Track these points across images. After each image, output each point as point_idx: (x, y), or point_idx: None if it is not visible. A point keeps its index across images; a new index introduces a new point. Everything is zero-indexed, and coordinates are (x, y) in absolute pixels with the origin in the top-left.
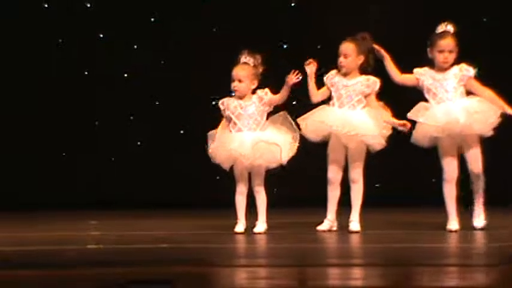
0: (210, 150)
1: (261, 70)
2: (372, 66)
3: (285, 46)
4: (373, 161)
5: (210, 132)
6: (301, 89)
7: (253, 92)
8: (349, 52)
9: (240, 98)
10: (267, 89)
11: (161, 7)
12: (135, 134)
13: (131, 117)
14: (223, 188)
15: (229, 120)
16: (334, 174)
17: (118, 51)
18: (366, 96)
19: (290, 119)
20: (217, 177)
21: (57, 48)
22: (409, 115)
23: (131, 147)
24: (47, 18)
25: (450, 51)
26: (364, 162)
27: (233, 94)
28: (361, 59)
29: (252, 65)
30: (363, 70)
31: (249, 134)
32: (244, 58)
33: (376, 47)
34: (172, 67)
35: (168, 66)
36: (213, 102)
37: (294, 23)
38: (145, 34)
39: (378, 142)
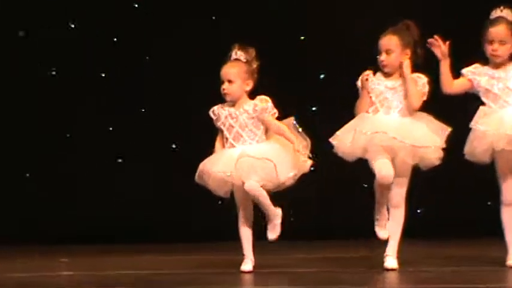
0: (196, 175)
1: (255, 66)
2: (422, 59)
3: (302, 38)
4: (414, 180)
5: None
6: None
7: (252, 96)
8: (392, 47)
9: (233, 104)
10: (268, 102)
11: None
12: (115, 148)
13: (110, 128)
14: (225, 215)
15: (222, 133)
16: (385, 171)
17: (92, 45)
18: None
19: (298, 127)
20: (219, 202)
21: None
22: (472, 125)
23: (109, 164)
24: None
25: (502, 42)
26: (409, 182)
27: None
28: (407, 53)
29: (244, 61)
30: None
31: (239, 149)
32: (235, 54)
33: (432, 41)
34: (163, 65)
35: (156, 64)
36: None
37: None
38: (126, 25)
39: (438, 157)
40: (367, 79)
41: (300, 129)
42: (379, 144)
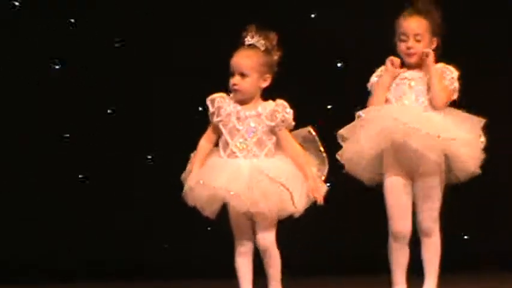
0: (184, 189)
1: (276, 58)
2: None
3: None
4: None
5: (192, 155)
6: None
7: (264, 97)
8: (422, 32)
9: (241, 102)
10: (290, 112)
11: None
12: (75, 162)
13: (66, 136)
14: (217, 247)
15: (218, 134)
16: (402, 224)
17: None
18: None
19: (318, 141)
20: (208, 228)
21: None
22: None
23: (70, 182)
24: None
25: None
26: (442, 201)
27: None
28: (433, 43)
29: (262, 48)
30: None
31: (247, 162)
32: (251, 38)
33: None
34: (134, 53)
35: (128, 52)
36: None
37: None
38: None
39: (476, 163)
40: (395, 65)
41: (319, 144)
42: (392, 147)
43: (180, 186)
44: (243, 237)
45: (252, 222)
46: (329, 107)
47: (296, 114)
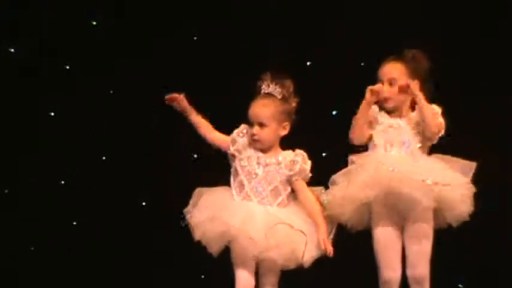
0: (191, 216)
1: (294, 105)
2: (430, 95)
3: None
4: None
5: (199, 190)
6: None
7: (283, 146)
8: (396, 75)
9: (261, 151)
10: (308, 163)
11: None
12: (68, 208)
13: (62, 182)
14: None
15: (235, 175)
16: (392, 271)
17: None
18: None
19: (324, 202)
20: (202, 276)
21: None
22: None
23: (62, 228)
24: None
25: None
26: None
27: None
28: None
29: (279, 97)
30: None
31: (261, 208)
32: (267, 87)
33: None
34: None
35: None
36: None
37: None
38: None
39: (466, 200)
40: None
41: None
42: (384, 195)
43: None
44: (247, 275)
45: (257, 263)
46: (324, 154)
47: None
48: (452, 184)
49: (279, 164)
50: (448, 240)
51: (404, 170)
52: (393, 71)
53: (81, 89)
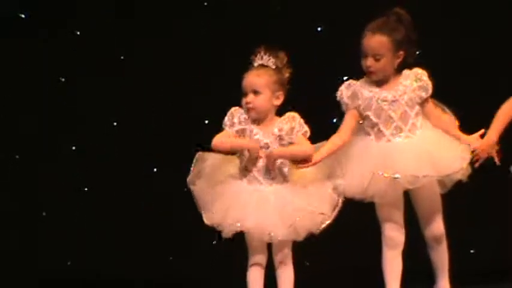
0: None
1: (287, 75)
2: (414, 57)
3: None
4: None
5: (201, 155)
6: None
7: (278, 113)
8: (382, 50)
9: (256, 121)
10: (296, 119)
11: None
12: (78, 174)
13: (73, 148)
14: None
15: (241, 161)
16: (395, 232)
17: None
18: (422, 104)
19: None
20: (213, 242)
21: None
22: None
23: (73, 194)
24: None
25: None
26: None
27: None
28: (400, 56)
29: (273, 67)
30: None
31: (271, 192)
32: (260, 59)
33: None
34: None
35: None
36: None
37: None
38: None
39: (467, 172)
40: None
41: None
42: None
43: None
44: (259, 252)
45: None
46: (335, 120)
47: None
48: (457, 170)
49: (278, 138)
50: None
51: (403, 168)
52: (379, 46)
53: (91, 55)
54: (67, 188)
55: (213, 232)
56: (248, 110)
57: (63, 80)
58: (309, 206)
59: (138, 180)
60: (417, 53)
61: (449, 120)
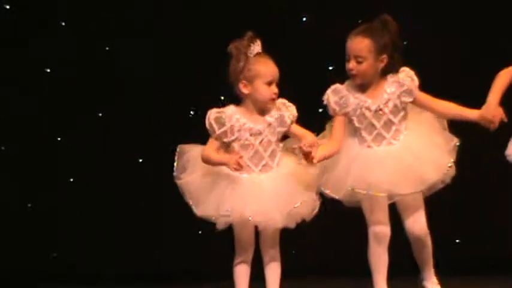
0: (192, 202)
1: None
2: (400, 64)
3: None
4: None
5: (182, 147)
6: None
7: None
8: (363, 53)
9: (244, 110)
10: (291, 107)
11: None
12: (65, 165)
13: (58, 139)
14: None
15: (226, 147)
16: (382, 226)
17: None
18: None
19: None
20: (199, 232)
21: None
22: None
23: (59, 185)
24: None
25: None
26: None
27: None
28: (383, 60)
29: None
30: (387, 71)
31: (265, 179)
32: (258, 47)
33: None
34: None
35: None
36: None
37: None
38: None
39: (450, 175)
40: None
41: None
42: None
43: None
44: (248, 246)
45: (256, 231)
46: (320, 110)
47: None
48: (438, 178)
49: (270, 125)
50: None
51: (379, 184)
52: (360, 48)
53: (77, 46)
54: (54, 179)
55: (205, 223)
56: (273, 100)
57: (48, 71)
58: (301, 193)
59: (125, 171)
60: (402, 59)
61: (446, 102)
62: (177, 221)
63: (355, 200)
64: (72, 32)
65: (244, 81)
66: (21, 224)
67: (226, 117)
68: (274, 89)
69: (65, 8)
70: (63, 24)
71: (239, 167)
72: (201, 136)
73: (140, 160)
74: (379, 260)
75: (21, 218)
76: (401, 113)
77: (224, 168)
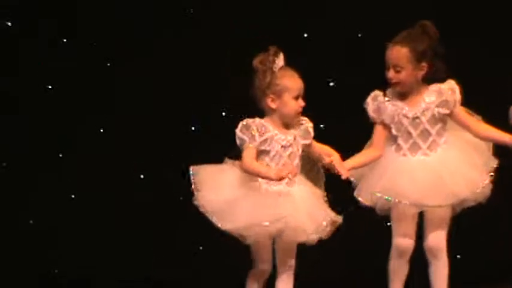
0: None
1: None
2: (445, 70)
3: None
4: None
5: (196, 168)
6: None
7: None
8: (401, 62)
9: (278, 124)
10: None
11: None
12: (65, 180)
13: (60, 155)
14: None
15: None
16: (406, 239)
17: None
18: (450, 118)
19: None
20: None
21: None
22: None
23: (60, 201)
24: None
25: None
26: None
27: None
28: (423, 68)
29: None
30: (431, 79)
31: (296, 193)
32: (277, 57)
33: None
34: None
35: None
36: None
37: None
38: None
39: (484, 194)
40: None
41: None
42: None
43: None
44: (266, 261)
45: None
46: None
47: None
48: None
49: (295, 138)
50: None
51: (408, 194)
52: (399, 57)
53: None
54: (55, 195)
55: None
56: (299, 114)
57: (50, 87)
58: (326, 210)
59: (126, 187)
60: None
61: (483, 124)
62: (180, 238)
63: (387, 208)
64: (72, 47)
65: (271, 96)
66: (21, 240)
67: (262, 127)
68: (301, 102)
69: (66, 24)
70: (65, 40)
71: (293, 176)
72: (202, 151)
73: (141, 176)
74: (399, 270)
75: (23, 234)
76: (439, 124)
77: (249, 182)
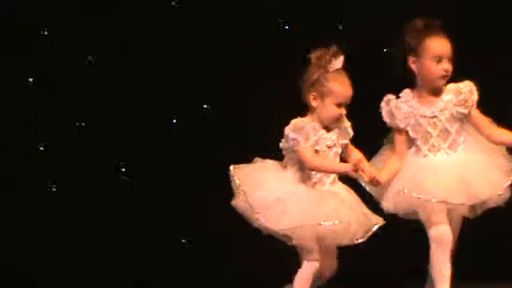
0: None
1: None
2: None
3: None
4: None
5: (235, 169)
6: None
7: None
8: (451, 54)
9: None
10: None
11: None
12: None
13: (41, 148)
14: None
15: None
16: (443, 225)
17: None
18: (466, 118)
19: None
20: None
21: None
22: None
23: (40, 194)
24: None
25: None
26: None
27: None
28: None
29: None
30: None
31: (342, 193)
32: (341, 62)
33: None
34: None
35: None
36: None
37: None
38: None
39: (504, 197)
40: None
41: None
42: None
43: None
44: (316, 249)
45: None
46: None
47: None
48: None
49: (337, 137)
50: None
51: (433, 191)
52: (450, 49)
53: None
54: (34, 188)
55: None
56: (338, 120)
57: (31, 80)
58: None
59: (107, 183)
60: None
61: (502, 130)
62: (167, 237)
63: (411, 212)
64: (56, 42)
65: (314, 94)
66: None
67: (314, 127)
68: (342, 110)
69: (48, 18)
70: (46, 33)
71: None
72: (184, 145)
73: (123, 170)
74: (444, 265)
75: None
76: (458, 123)
77: (293, 181)
